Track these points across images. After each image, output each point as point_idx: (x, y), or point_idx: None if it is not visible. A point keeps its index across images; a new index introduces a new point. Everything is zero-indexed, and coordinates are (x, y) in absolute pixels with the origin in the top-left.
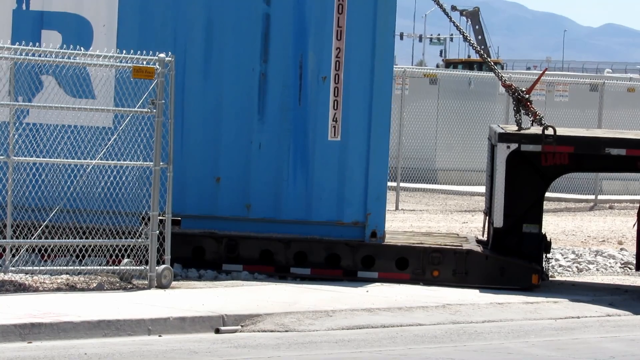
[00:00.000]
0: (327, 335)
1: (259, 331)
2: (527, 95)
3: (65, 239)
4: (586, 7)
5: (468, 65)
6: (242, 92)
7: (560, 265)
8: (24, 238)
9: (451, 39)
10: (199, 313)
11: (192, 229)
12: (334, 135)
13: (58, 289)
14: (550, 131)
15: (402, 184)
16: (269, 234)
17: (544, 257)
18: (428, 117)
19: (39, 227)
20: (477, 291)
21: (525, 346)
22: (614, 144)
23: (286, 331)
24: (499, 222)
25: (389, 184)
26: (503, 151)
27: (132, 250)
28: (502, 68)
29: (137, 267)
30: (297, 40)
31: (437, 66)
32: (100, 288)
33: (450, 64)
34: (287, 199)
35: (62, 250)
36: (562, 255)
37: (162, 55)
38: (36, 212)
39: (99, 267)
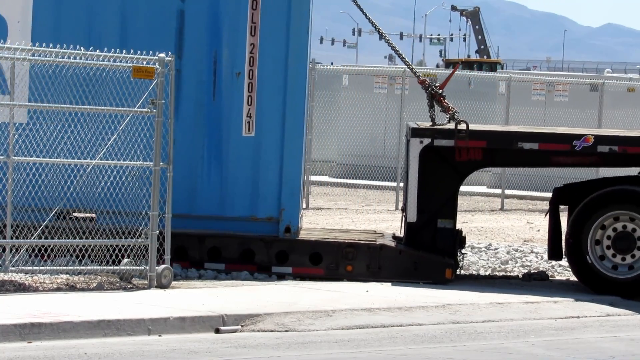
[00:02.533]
0: (327, 335)
1: (259, 331)
2: (441, 91)
3: (65, 239)
4: (586, 7)
5: (468, 65)
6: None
7: (560, 265)
8: (24, 238)
9: (451, 39)
10: (199, 313)
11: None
12: (248, 131)
13: (58, 289)
14: (463, 126)
15: (401, 184)
16: (184, 229)
17: (458, 252)
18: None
19: (39, 227)
20: (477, 292)
21: (525, 346)
22: (526, 139)
23: (286, 331)
24: (412, 217)
25: (389, 184)
26: (416, 146)
27: (131, 250)
28: (502, 68)
29: (137, 267)
30: (211, 36)
31: (437, 66)
32: (100, 288)
33: (450, 63)
34: (201, 195)
35: (62, 250)
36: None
37: (162, 55)
38: (36, 212)
39: (98, 267)
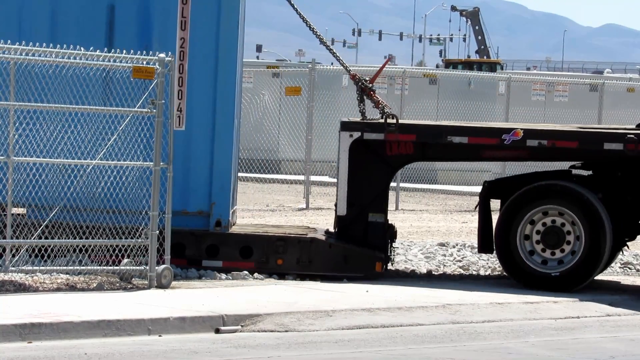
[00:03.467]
0: (327, 335)
1: (259, 331)
2: (371, 85)
3: (65, 239)
4: (586, 7)
5: (468, 65)
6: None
7: None
8: (24, 238)
9: (451, 39)
10: (199, 313)
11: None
12: (179, 124)
13: (58, 289)
14: (393, 120)
15: (401, 184)
16: (117, 224)
17: (389, 245)
18: (428, 117)
19: (39, 227)
20: (477, 291)
21: (525, 346)
22: (456, 132)
23: (286, 331)
24: (342, 210)
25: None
26: (346, 140)
27: (132, 250)
28: (502, 68)
29: (137, 267)
30: (142, 31)
31: (437, 66)
32: (100, 288)
33: (450, 64)
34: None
35: (62, 250)
36: None
37: (162, 55)
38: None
39: (99, 267)
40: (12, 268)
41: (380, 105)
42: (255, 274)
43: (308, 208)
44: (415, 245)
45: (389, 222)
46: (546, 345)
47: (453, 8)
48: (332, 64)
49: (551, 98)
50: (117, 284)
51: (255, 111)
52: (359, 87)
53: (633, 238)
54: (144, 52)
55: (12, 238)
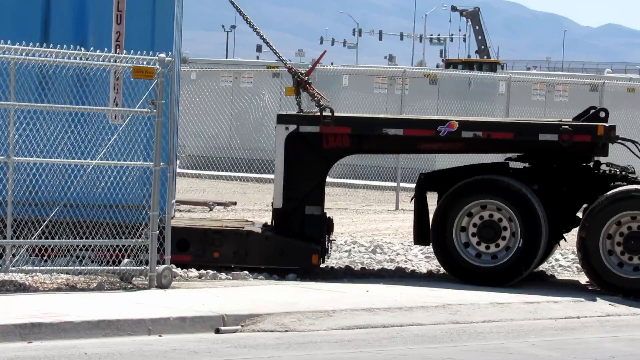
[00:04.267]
0: (327, 335)
1: (259, 331)
2: (307, 78)
3: (65, 238)
4: (586, 7)
5: (468, 65)
6: (23, 78)
7: (560, 265)
8: (24, 238)
9: (451, 39)
10: (199, 313)
11: None
12: (114, 118)
13: (58, 289)
14: (328, 113)
15: (401, 184)
16: (57, 217)
17: (326, 238)
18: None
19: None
20: (477, 291)
21: (525, 346)
22: (391, 124)
23: (286, 331)
24: (278, 203)
25: (390, 184)
26: (282, 132)
27: (132, 250)
28: (502, 68)
29: (137, 267)
30: (77, 24)
31: (437, 66)
32: (100, 288)
33: (450, 64)
34: (74, 184)
35: (62, 250)
36: (562, 255)
37: (162, 55)
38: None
39: (99, 267)
40: (13, 268)
41: (316, 98)
42: (256, 274)
43: None
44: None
45: (327, 215)
46: (546, 345)
47: (453, 8)
48: (332, 64)
49: (551, 98)
50: (118, 284)
51: (255, 111)
52: (295, 79)
53: (569, 230)
54: (79, 47)
55: (12, 238)
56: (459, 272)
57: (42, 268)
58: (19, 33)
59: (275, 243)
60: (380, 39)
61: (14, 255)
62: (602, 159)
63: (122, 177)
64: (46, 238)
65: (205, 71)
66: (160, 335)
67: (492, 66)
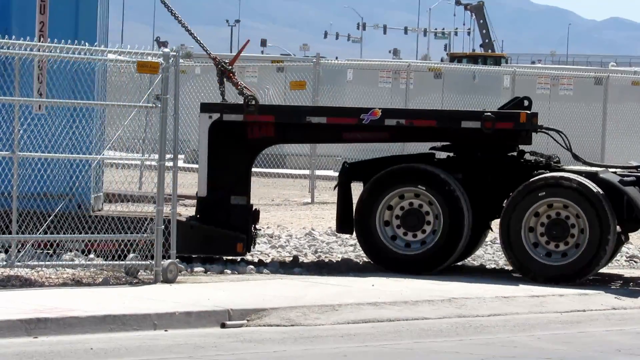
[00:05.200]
0: (333, 329)
1: (264, 325)
2: (230, 67)
3: (70, 233)
4: (590, 0)
5: (473, 59)
6: None
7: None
8: (29, 233)
9: (455, 33)
10: (205, 308)
11: None
12: (39, 109)
13: (64, 284)
14: (252, 103)
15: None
16: None
17: (252, 227)
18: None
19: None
20: (483, 285)
21: (531, 340)
22: (315, 113)
23: (292, 325)
24: (202, 192)
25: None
26: (205, 121)
27: (137, 245)
28: (507, 62)
29: (143, 262)
30: (0, 15)
31: (442, 60)
32: (106, 283)
33: (454, 57)
34: None
35: (67, 244)
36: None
37: (167, 50)
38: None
39: (104, 262)
40: (18, 263)
41: (239, 87)
42: (262, 268)
43: (313, 202)
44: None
45: (253, 205)
46: (552, 339)
47: (457, 2)
48: (336, 58)
49: (556, 91)
50: (123, 279)
51: None
52: (218, 69)
53: (494, 218)
54: (5, 35)
55: (17, 233)
56: (386, 262)
57: (47, 263)
58: None
59: (200, 232)
60: (385, 33)
61: (19, 251)
62: (527, 148)
63: (50, 168)
64: (51, 233)
65: (209, 66)
66: (165, 330)
67: (497, 60)
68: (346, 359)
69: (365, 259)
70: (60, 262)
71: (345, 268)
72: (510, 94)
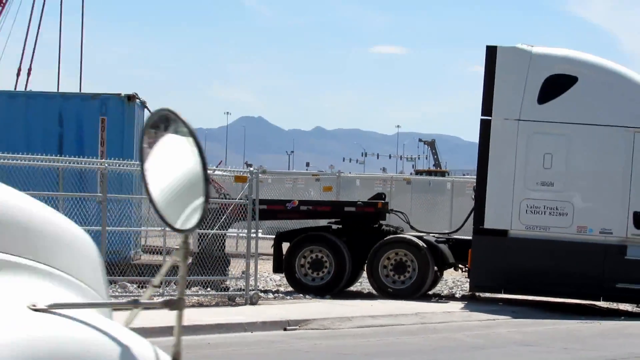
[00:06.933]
0: (348, 331)
1: (309, 329)
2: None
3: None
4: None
5: (429, 173)
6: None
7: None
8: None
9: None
10: (274, 318)
11: None
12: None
13: (192, 306)
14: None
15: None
16: None
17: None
18: (405, 207)
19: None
20: (433, 304)
21: (464, 337)
22: (262, 203)
23: (325, 329)
24: None
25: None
26: None
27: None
28: (448, 174)
29: (238, 293)
30: (78, 142)
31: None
32: (217, 305)
33: (418, 172)
34: None
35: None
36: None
37: (252, 168)
38: None
39: (216, 293)
40: (167, 289)
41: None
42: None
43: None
44: None
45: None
46: (475, 336)
47: (420, 140)
48: (349, 172)
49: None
50: (226, 302)
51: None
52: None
53: (365, 262)
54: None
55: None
56: (302, 289)
57: (188, 292)
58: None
59: None
60: (377, 158)
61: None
62: (385, 222)
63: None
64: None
65: (275, 178)
66: (251, 332)
67: (443, 173)
68: (357, 349)
69: (369, 289)
70: (190, 293)
71: (355, 295)
72: (450, 194)
